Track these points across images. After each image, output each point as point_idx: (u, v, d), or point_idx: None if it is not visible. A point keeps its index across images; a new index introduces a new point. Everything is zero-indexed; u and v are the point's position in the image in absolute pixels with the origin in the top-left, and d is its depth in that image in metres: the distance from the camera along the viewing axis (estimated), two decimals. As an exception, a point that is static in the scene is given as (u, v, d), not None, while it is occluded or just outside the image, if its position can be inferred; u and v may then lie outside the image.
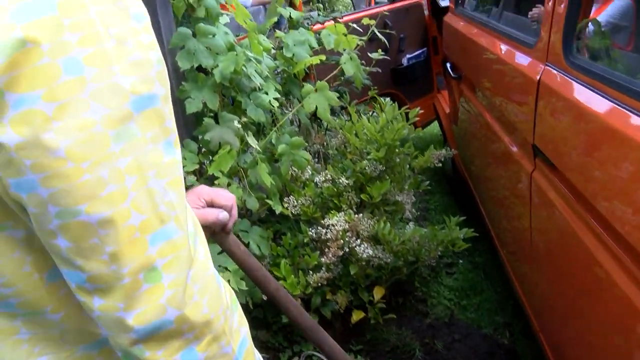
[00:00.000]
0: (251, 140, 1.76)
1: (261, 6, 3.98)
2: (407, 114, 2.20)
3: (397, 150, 2.08)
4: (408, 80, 3.78)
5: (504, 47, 1.87)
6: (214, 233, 1.01)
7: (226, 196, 1.00)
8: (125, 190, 0.51)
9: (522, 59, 1.65)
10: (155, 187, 0.54)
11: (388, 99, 3.96)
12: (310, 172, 2.06)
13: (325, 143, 2.37)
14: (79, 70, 0.48)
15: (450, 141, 3.27)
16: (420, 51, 3.83)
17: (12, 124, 0.46)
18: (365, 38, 2.52)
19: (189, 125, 1.91)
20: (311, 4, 8.94)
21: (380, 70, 3.00)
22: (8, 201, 0.52)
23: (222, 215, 0.97)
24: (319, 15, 7.41)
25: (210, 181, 1.76)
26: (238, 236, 1.79)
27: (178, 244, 0.56)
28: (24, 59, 0.45)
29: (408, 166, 2.19)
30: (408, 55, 3.77)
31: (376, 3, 4.85)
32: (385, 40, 3.43)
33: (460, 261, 2.81)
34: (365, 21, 2.64)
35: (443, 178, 3.74)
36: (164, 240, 0.55)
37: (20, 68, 0.45)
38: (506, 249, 2.10)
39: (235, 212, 1.01)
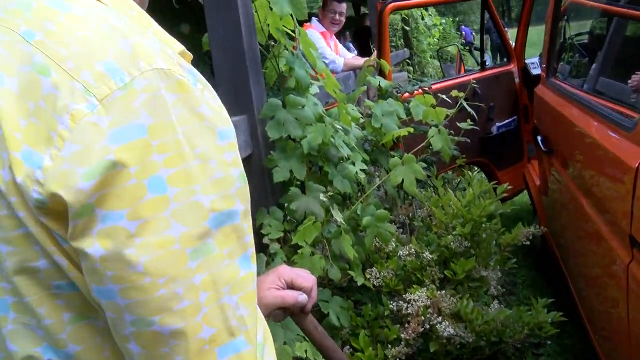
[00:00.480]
0: (336, 214, 1.78)
1: (352, 72, 4.09)
2: (495, 189, 2.16)
3: (483, 226, 2.04)
4: (498, 149, 3.72)
5: (598, 127, 1.81)
6: (293, 314, 1.03)
7: (307, 278, 1.01)
8: (199, 305, 0.53)
9: (619, 143, 1.59)
10: (228, 302, 0.55)
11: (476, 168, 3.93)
12: (394, 245, 2.05)
13: (411, 214, 2.36)
14: (163, 190, 0.51)
15: (540, 214, 3.15)
16: (510, 120, 3.78)
17: (98, 237, 0.49)
18: (454, 111, 2.52)
19: (276, 193, 1.97)
20: (402, 65, 9.09)
21: (469, 141, 2.98)
22: (90, 300, 0.55)
23: (302, 298, 0.99)
24: (409, 78, 7.55)
25: (294, 249, 1.79)
26: (318, 306, 1.80)
27: (246, 357, 0.57)
28: (114, 180, 0.49)
29: (495, 242, 2.13)
30: (498, 124, 3.72)
31: (466, 71, 4.85)
32: (474, 110, 3.43)
33: (549, 342, 2.66)
34: (455, 93, 2.65)
35: (531, 251, 3.60)
36: (233, 354, 0.56)
37: (110, 187, 0.49)
38: (599, 335, 1.97)
39: (315, 294, 1.02)
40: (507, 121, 3.76)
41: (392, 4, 3.30)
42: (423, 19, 8.42)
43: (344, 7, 4.23)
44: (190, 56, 0.69)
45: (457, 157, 3.01)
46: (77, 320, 0.57)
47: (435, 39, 9.28)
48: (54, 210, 0.50)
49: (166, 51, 0.56)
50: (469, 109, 2.65)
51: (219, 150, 0.55)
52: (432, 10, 10.04)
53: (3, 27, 0.54)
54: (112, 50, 0.52)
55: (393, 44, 8.19)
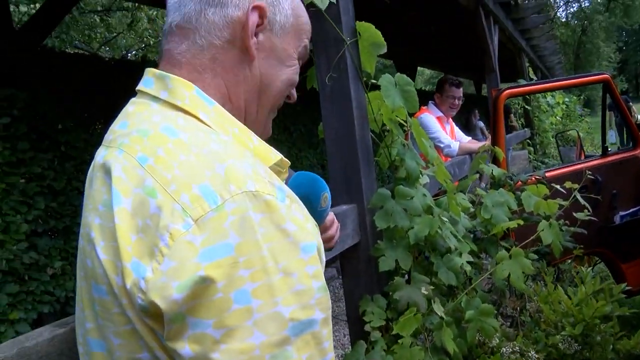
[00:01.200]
0: (437, 307, 1.81)
1: (467, 155, 4.11)
2: (612, 288, 2.07)
3: (597, 328, 1.95)
4: (621, 240, 3.52)
5: None
6: None
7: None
8: None
9: None
10: None
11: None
12: (498, 340, 2.02)
13: (519, 308, 2.31)
14: (247, 302, 0.59)
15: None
16: (636, 208, 3.58)
17: (189, 341, 0.59)
18: (567, 203, 2.47)
19: (382, 281, 2.03)
20: (522, 145, 8.89)
21: (585, 232, 2.87)
22: None
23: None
24: (529, 158, 7.32)
25: (395, 338, 1.82)
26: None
27: None
28: (203, 293, 0.58)
29: (611, 347, 2.02)
30: (621, 213, 3.54)
31: (586, 156, 4.68)
32: (595, 198, 3.30)
33: None
34: (568, 185, 2.60)
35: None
36: None
37: (199, 299, 0.58)
38: None
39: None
40: (632, 210, 3.57)
41: (507, 91, 3.34)
42: (544, 97, 8.25)
43: (461, 91, 4.31)
44: (287, 162, 0.81)
45: (574, 248, 2.90)
46: None
47: (557, 118, 9.03)
48: (154, 314, 0.61)
49: (258, 171, 0.66)
50: (583, 202, 2.57)
51: (301, 264, 0.62)
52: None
53: (126, 153, 0.68)
54: (209, 174, 0.62)
55: (513, 123, 8.09)
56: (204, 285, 0.58)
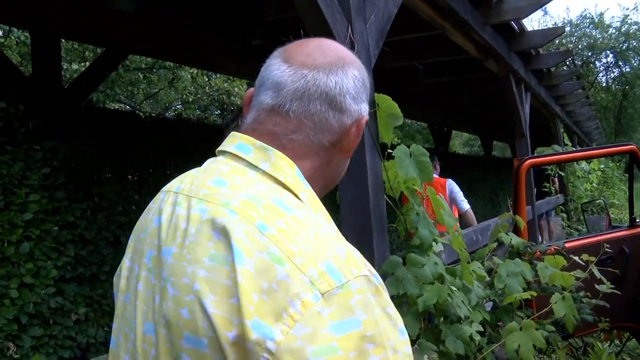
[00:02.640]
0: (441, 377, 1.81)
1: (491, 222, 4.13)
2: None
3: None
4: (650, 316, 3.41)
5: None
6: None
7: None
8: None
9: None
10: None
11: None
12: (507, 413, 1.99)
13: (531, 381, 2.26)
14: None
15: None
16: (665, 283, 3.49)
17: None
18: (583, 276, 2.45)
19: (390, 346, 2.04)
20: (556, 211, 8.76)
21: (607, 305, 2.82)
22: None
23: None
24: (562, 225, 7.17)
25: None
26: None
27: None
28: None
29: None
30: (652, 287, 3.45)
31: (613, 227, 4.61)
32: (623, 271, 3.24)
33: None
34: (585, 257, 2.58)
35: None
36: None
37: None
38: None
39: None
40: (661, 285, 3.47)
41: (529, 161, 3.36)
42: (579, 163, 8.18)
43: None
44: None
45: (598, 321, 2.84)
46: None
47: (593, 184, 8.92)
48: None
49: (362, 258, 0.73)
50: (599, 275, 2.54)
51: (402, 344, 0.69)
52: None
53: (241, 217, 0.72)
54: (330, 254, 0.68)
55: (546, 189, 8.01)
56: (336, 355, 0.63)
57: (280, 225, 0.70)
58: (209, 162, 0.86)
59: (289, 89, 0.83)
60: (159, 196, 0.89)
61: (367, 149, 2.12)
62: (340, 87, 0.84)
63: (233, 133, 0.85)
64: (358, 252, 0.73)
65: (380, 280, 0.72)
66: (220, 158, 0.84)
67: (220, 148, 0.86)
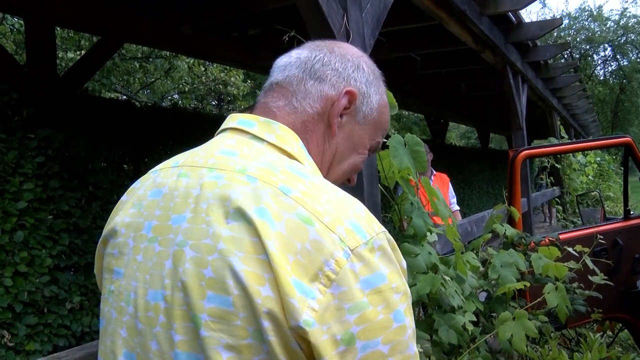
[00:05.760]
0: (432, 365, 1.81)
1: (486, 213, 4.14)
2: (619, 357, 2.04)
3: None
4: (643, 307, 3.43)
5: None
6: None
7: None
8: None
9: None
10: None
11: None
12: (498, 402, 2.00)
13: (524, 370, 2.28)
14: (402, 320, 0.70)
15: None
16: (659, 275, 3.50)
17: None
18: (576, 266, 2.46)
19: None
20: (552, 204, 8.79)
21: (600, 296, 2.83)
22: None
23: None
24: (557, 217, 7.23)
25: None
26: None
27: None
28: (369, 316, 0.68)
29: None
30: (643, 278, 3.47)
31: (607, 219, 4.62)
32: (616, 262, 3.25)
33: None
34: (579, 248, 2.59)
35: None
36: None
37: (367, 322, 0.68)
38: None
39: None
40: (654, 276, 3.49)
41: (524, 152, 3.36)
42: (575, 156, 8.20)
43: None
44: None
45: (591, 312, 2.86)
46: None
47: (589, 177, 8.94)
48: (312, 336, 0.66)
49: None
50: (592, 266, 2.55)
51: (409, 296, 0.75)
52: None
53: (262, 182, 0.74)
54: (352, 212, 0.72)
55: (542, 181, 8.03)
56: (368, 310, 0.68)
57: (302, 188, 0.73)
58: (209, 141, 0.88)
59: (275, 67, 0.93)
60: (149, 175, 0.90)
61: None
62: (321, 59, 0.90)
63: (232, 114, 0.89)
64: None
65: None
66: (222, 134, 0.87)
67: (220, 128, 0.89)
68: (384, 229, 0.74)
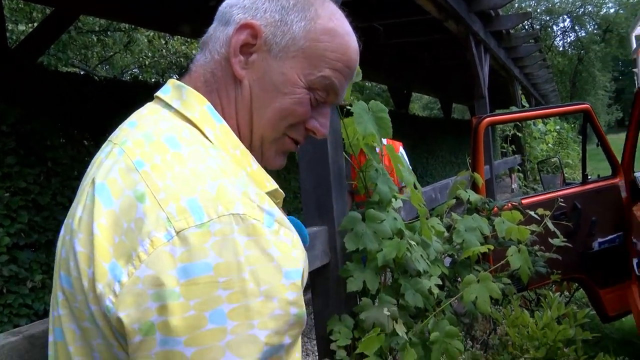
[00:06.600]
0: (399, 328, 1.84)
1: (450, 180, 4.18)
2: (576, 313, 2.11)
3: (559, 351, 1.98)
4: (599, 267, 3.55)
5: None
6: None
7: None
8: None
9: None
10: None
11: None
12: (463, 362, 2.05)
13: (488, 332, 2.34)
14: (222, 322, 0.59)
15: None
16: (614, 236, 3.62)
17: (156, 357, 0.59)
18: (538, 229, 2.51)
19: (350, 300, 2.06)
20: (513, 172, 8.96)
21: (560, 258, 2.91)
22: None
23: None
24: (519, 185, 7.42)
25: (361, 358, 1.85)
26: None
27: None
28: (176, 309, 0.58)
29: (574, 370, 2.05)
30: (600, 240, 3.58)
31: (566, 184, 4.74)
32: (575, 225, 3.34)
33: None
34: (540, 211, 2.64)
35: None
36: None
37: (172, 315, 0.58)
38: None
39: None
40: (610, 237, 3.60)
41: (487, 119, 3.40)
42: (536, 124, 8.34)
43: None
44: (282, 194, 0.81)
45: (551, 273, 2.94)
46: None
47: (549, 145, 9.12)
48: (119, 320, 0.60)
49: (249, 194, 0.66)
50: (553, 228, 2.61)
51: (282, 289, 0.63)
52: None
53: (125, 155, 0.69)
54: (199, 189, 0.62)
55: (504, 149, 8.17)
56: (178, 302, 0.58)
57: (156, 162, 0.66)
58: None
59: None
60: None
61: (325, 105, 2.09)
62: (230, 2, 0.83)
63: (170, 79, 0.84)
64: (242, 188, 0.66)
65: (277, 216, 0.66)
66: (148, 103, 0.82)
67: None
68: (240, 210, 0.62)
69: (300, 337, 0.70)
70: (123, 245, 0.62)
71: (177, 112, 0.76)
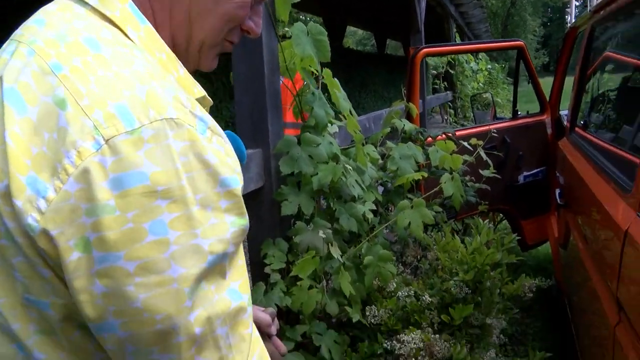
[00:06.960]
0: (334, 250, 1.84)
1: (383, 111, 4.18)
2: (503, 238, 2.18)
3: (486, 274, 2.05)
4: (522, 198, 3.71)
5: (601, 186, 1.83)
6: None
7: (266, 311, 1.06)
8: (194, 339, 0.59)
9: (615, 203, 1.61)
10: (219, 334, 0.61)
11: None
12: (395, 284, 2.09)
13: (419, 257, 2.39)
14: (164, 233, 0.55)
15: (556, 266, 3.12)
16: (537, 170, 3.77)
17: (98, 276, 0.55)
18: (471, 158, 2.56)
19: (284, 224, 2.04)
20: (444, 108, 9.15)
21: (489, 188, 3.00)
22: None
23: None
24: (449, 121, 7.62)
25: (295, 281, 1.85)
26: (311, 338, 1.84)
27: None
28: (112, 223, 0.54)
29: (498, 291, 2.14)
30: (525, 173, 3.72)
31: (497, 119, 4.87)
32: (504, 158, 3.44)
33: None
34: (474, 141, 2.69)
35: (548, 301, 3.55)
36: None
37: (109, 230, 0.54)
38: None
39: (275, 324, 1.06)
40: (534, 171, 3.75)
41: (424, 50, 3.39)
42: (468, 62, 8.47)
43: None
44: (210, 101, 0.75)
45: (479, 203, 3.03)
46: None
47: (480, 84, 9.32)
48: (49, 238, 0.55)
49: (180, 99, 0.60)
50: (485, 157, 2.67)
51: (216, 197, 0.60)
52: (482, 54, 10.09)
53: (37, 56, 0.60)
54: (127, 94, 0.57)
55: (436, 86, 8.28)
56: (113, 215, 0.54)
57: (77, 64, 0.59)
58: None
59: None
60: None
61: (262, 24, 1.99)
62: None
63: None
64: (173, 93, 0.61)
65: (209, 124, 0.63)
66: None
67: None
68: (173, 114, 0.58)
69: (242, 246, 0.67)
70: (44, 157, 0.56)
71: (93, 9, 0.66)
